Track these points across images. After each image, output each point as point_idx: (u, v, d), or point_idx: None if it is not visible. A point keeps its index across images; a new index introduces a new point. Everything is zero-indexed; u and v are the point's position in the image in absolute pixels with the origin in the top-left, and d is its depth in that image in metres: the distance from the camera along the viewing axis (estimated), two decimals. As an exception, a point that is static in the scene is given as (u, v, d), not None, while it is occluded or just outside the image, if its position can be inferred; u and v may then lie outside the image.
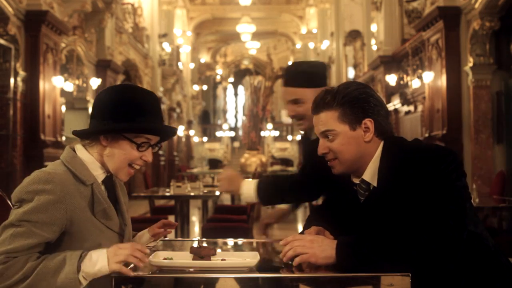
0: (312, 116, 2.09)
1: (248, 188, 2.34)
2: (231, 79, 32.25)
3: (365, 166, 1.69)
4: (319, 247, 1.55)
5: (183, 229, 5.75)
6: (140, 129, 1.60)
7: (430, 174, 1.56)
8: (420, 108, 9.90)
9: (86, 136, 1.65)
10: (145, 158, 1.64)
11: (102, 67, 11.34)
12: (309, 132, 2.37)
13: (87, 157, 1.63)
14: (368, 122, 1.66)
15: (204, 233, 5.13)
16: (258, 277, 1.46)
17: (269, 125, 22.86)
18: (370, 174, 1.69)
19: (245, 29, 21.92)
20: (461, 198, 1.58)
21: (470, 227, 1.60)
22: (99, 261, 1.43)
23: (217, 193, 5.77)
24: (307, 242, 1.57)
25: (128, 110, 1.59)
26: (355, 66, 16.44)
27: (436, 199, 1.54)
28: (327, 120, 1.68)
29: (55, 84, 8.52)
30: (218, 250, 1.64)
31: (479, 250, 1.63)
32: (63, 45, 9.16)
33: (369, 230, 1.60)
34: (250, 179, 2.42)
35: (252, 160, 11.94)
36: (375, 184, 1.68)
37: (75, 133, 1.64)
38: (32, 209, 1.45)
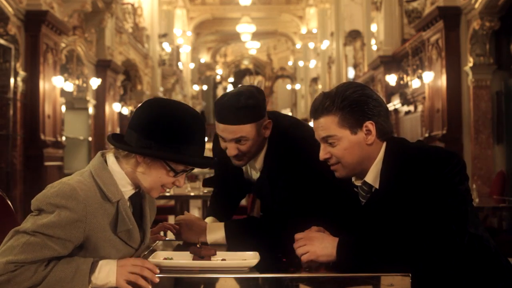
0: (253, 153, 2.05)
1: (217, 237, 1.99)
2: (231, 79, 32.22)
3: (367, 168, 1.68)
4: (319, 244, 1.55)
5: (183, 229, 5.73)
6: (183, 161, 1.54)
7: (433, 178, 1.56)
8: (420, 108, 9.89)
9: (123, 148, 1.57)
10: (177, 183, 1.58)
11: (102, 67, 11.33)
12: (246, 166, 2.16)
13: (118, 171, 1.56)
14: (370, 125, 1.64)
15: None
16: (258, 277, 1.46)
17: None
18: (373, 176, 1.68)
19: (245, 29, 21.94)
20: (463, 202, 1.57)
21: (471, 229, 1.59)
22: (107, 276, 1.43)
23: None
24: (307, 240, 1.57)
25: (174, 136, 1.51)
26: (355, 66, 16.43)
27: (438, 203, 1.54)
28: (327, 125, 1.65)
29: (55, 84, 8.51)
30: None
31: (480, 252, 1.63)
32: (63, 45, 9.15)
33: (371, 231, 1.59)
34: (214, 223, 2.07)
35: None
36: (377, 186, 1.67)
37: (112, 142, 1.57)
38: (51, 223, 1.42)
